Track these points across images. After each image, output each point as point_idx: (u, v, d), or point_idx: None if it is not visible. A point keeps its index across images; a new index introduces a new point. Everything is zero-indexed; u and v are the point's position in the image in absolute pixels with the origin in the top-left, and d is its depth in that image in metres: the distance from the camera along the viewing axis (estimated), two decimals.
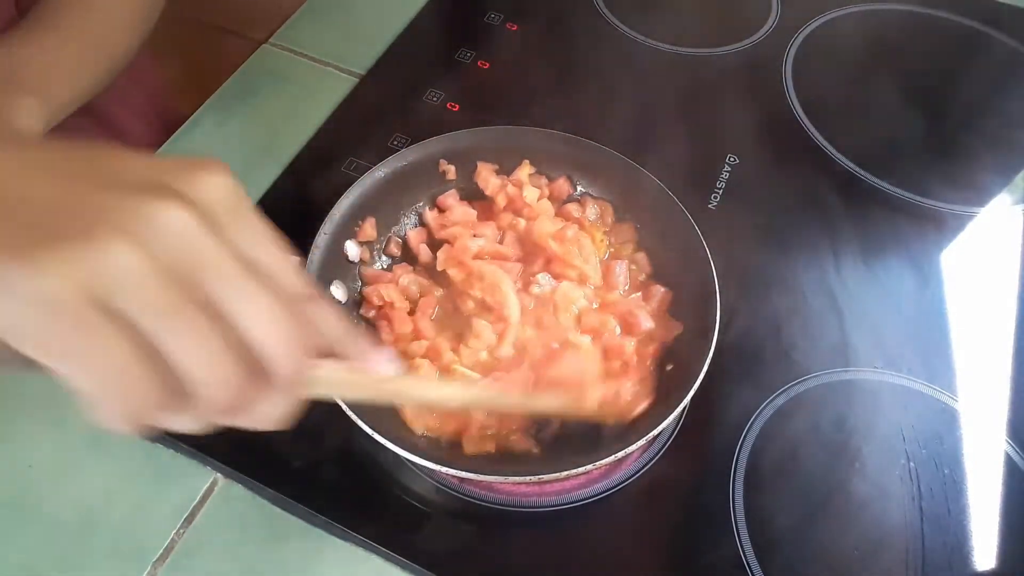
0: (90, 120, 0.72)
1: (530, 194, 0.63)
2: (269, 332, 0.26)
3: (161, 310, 0.24)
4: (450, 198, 0.64)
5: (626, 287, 0.60)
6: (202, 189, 0.27)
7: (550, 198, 0.64)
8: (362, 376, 0.33)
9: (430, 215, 0.64)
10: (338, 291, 0.58)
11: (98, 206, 0.24)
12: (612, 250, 0.63)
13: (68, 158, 0.27)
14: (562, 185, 0.64)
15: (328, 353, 0.31)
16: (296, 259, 0.30)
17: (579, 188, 0.65)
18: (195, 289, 0.25)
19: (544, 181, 0.65)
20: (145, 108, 0.82)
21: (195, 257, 0.25)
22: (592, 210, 0.64)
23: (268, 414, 0.28)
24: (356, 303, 0.59)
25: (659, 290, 0.59)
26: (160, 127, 0.79)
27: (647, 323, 0.57)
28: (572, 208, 0.63)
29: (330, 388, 0.33)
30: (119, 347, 0.24)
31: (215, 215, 0.26)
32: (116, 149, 0.28)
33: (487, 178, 0.63)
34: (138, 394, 0.25)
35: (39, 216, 0.24)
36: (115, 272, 0.23)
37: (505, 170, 0.65)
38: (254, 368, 0.27)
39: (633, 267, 0.61)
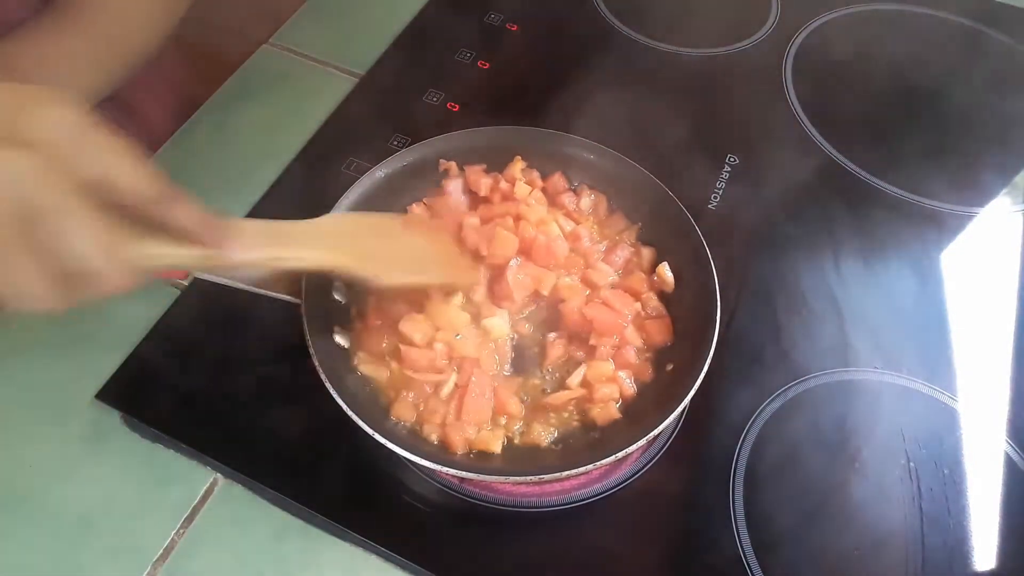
0: (111, 105, 0.72)
1: (521, 189, 0.62)
2: (89, 257, 0.33)
3: None
4: (452, 184, 0.64)
5: (619, 272, 0.60)
6: (43, 124, 0.31)
7: (545, 192, 0.64)
8: (203, 258, 0.39)
9: (417, 209, 0.64)
10: (338, 292, 0.58)
11: None
12: (607, 242, 0.62)
13: None
14: (557, 180, 0.64)
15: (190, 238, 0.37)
16: (150, 165, 0.35)
17: (575, 182, 0.65)
18: (29, 225, 0.31)
19: (536, 175, 0.64)
20: (165, 95, 0.82)
21: (29, 199, 0.30)
22: (586, 201, 0.64)
23: (104, 294, 0.35)
24: None
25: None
26: (180, 112, 0.79)
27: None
28: (566, 199, 0.63)
29: (172, 266, 0.39)
30: None
31: (57, 147, 0.31)
32: None
33: (477, 180, 0.63)
34: None
35: None
36: None
37: (498, 168, 0.65)
38: (77, 278, 0.33)
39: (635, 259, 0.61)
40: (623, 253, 0.60)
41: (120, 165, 0.33)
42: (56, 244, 0.32)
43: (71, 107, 0.32)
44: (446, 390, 0.53)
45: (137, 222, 0.36)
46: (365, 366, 0.55)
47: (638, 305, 0.58)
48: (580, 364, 0.55)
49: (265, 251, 0.43)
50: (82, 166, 0.32)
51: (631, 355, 0.56)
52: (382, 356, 0.56)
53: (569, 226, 0.61)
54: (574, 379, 0.54)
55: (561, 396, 0.54)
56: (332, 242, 0.48)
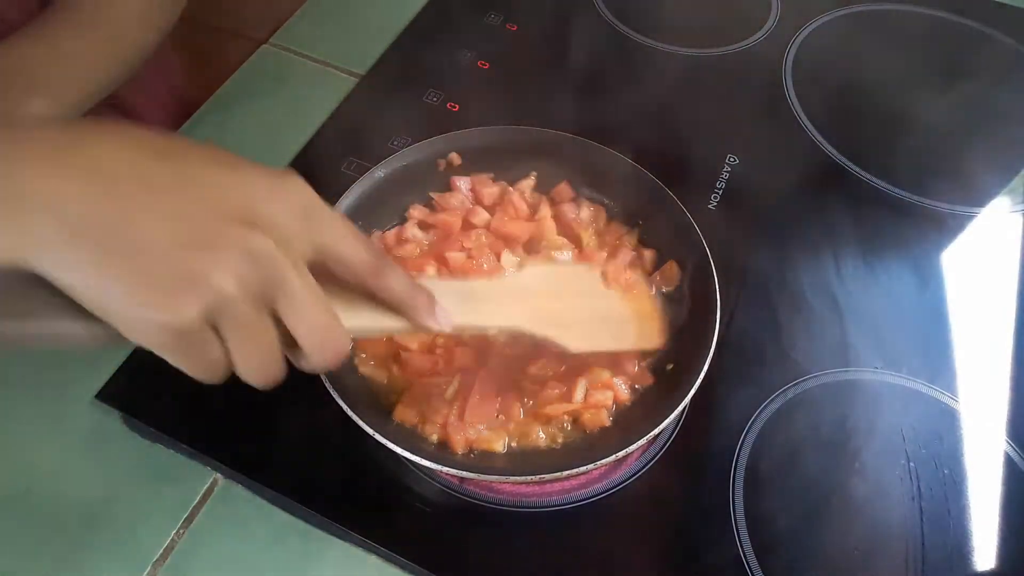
0: (109, 107, 0.72)
1: (542, 212, 0.63)
2: (308, 334, 0.35)
3: (242, 323, 0.33)
4: (461, 181, 0.64)
5: (624, 271, 0.60)
6: (280, 207, 0.34)
7: (551, 202, 0.64)
8: (410, 329, 0.40)
9: (417, 211, 0.64)
10: None
11: (202, 244, 0.31)
12: (608, 249, 0.62)
13: (158, 186, 0.32)
14: (564, 190, 0.64)
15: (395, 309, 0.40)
16: (370, 238, 0.38)
17: (579, 191, 0.65)
18: (267, 302, 0.33)
19: (540, 196, 0.65)
20: (164, 96, 0.82)
21: (270, 277, 0.33)
22: (585, 212, 0.64)
23: (305, 369, 0.37)
24: None
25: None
26: (179, 115, 0.79)
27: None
28: (568, 209, 0.63)
29: (374, 334, 0.41)
30: (213, 353, 0.33)
31: (291, 227, 0.34)
32: (197, 162, 0.34)
33: (482, 190, 0.63)
34: (213, 376, 0.34)
35: (158, 263, 0.31)
36: (220, 302, 0.31)
37: (504, 177, 0.65)
38: (296, 354, 0.36)
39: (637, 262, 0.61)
40: (624, 258, 0.60)
41: (343, 239, 0.36)
42: (287, 318, 0.34)
43: (303, 188, 0.35)
44: (450, 391, 0.53)
45: (348, 294, 0.38)
46: (366, 367, 0.55)
47: None
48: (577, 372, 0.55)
49: (464, 319, 0.43)
50: (312, 242, 0.35)
51: (628, 366, 0.56)
52: (383, 358, 0.56)
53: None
54: (578, 393, 0.54)
55: (558, 408, 0.53)
56: (524, 307, 0.48)
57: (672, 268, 0.60)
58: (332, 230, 0.36)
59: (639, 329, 0.55)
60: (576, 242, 0.62)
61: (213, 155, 0.35)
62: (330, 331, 0.36)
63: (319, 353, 0.36)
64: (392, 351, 0.56)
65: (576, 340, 0.49)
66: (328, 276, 0.36)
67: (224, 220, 0.32)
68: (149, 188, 0.32)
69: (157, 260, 0.31)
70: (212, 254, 0.31)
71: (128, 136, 0.34)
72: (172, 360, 0.33)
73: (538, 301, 0.49)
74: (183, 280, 0.31)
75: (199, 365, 0.33)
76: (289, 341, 0.35)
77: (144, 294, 0.30)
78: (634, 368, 0.56)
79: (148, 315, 0.31)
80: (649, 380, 0.56)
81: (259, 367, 0.35)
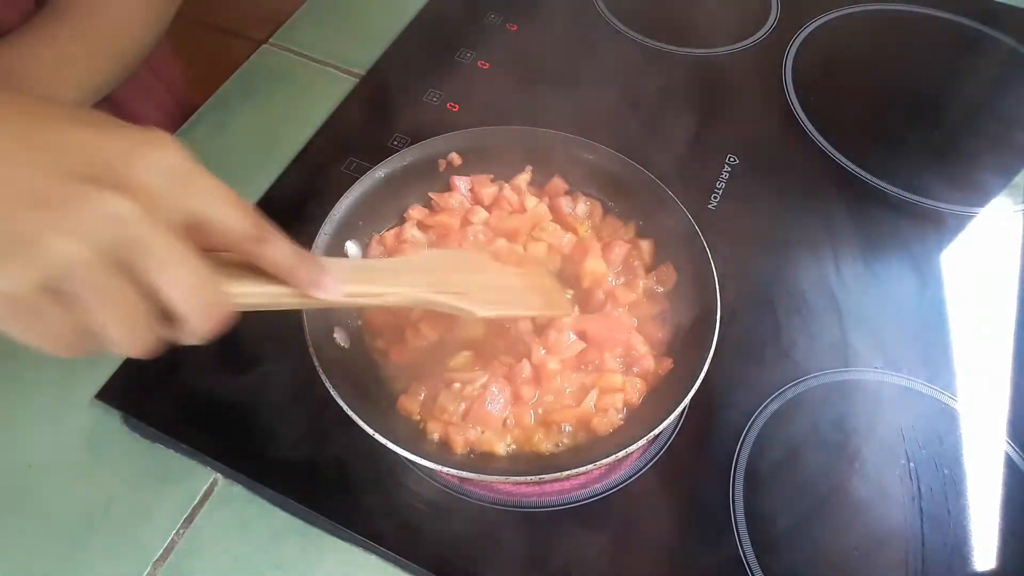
0: (108, 107, 0.72)
1: (530, 203, 0.63)
2: (182, 299, 0.32)
3: (94, 290, 0.30)
4: (460, 180, 0.64)
5: (618, 268, 0.61)
6: (145, 167, 0.31)
7: (547, 198, 0.64)
8: (294, 297, 0.38)
9: (416, 212, 0.64)
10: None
11: (43, 205, 0.29)
12: (604, 243, 0.62)
13: (15, 137, 0.30)
14: (557, 183, 0.65)
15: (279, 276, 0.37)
16: (249, 204, 0.35)
17: (574, 184, 0.65)
18: (127, 267, 0.30)
19: (532, 189, 0.65)
20: (163, 98, 0.82)
21: (128, 240, 0.30)
22: (581, 207, 0.64)
23: (188, 340, 0.35)
24: None
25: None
26: (178, 115, 0.79)
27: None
28: (563, 203, 0.64)
29: (261, 306, 0.38)
30: (60, 323, 0.31)
31: (157, 190, 0.31)
32: (59, 123, 0.32)
33: (481, 190, 0.64)
34: (71, 349, 0.32)
35: None
36: (61, 267, 0.29)
37: (503, 176, 0.65)
38: (171, 320, 0.33)
39: (636, 261, 0.62)
40: (621, 250, 0.60)
41: (218, 204, 0.34)
42: (154, 283, 0.32)
43: (174, 150, 0.33)
44: (471, 389, 0.53)
45: (228, 262, 0.36)
46: (376, 353, 0.56)
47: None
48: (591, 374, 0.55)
49: (357, 287, 0.42)
50: (182, 206, 0.32)
51: (647, 363, 0.56)
52: (391, 336, 0.57)
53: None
54: (589, 401, 0.54)
55: (568, 413, 0.53)
56: (423, 278, 0.47)
57: (669, 270, 0.60)
58: (207, 194, 0.34)
59: (544, 298, 0.56)
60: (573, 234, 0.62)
61: (80, 116, 0.33)
62: (206, 294, 0.33)
63: (197, 318, 0.33)
64: (399, 329, 0.56)
65: (482, 307, 0.48)
66: (207, 245, 0.34)
67: (76, 180, 0.30)
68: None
69: None
70: (54, 215, 0.29)
71: None
72: (13, 333, 0.31)
73: (438, 275, 0.49)
74: (16, 243, 0.29)
75: (45, 336, 0.31)
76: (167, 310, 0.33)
77: None
78: (653, 366, 0.56)
79: None
80: (668, 364, 0.55)
81: (123, 337, 0.32)
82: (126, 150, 0.32)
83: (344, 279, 0.40)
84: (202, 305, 0.33)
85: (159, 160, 0.32)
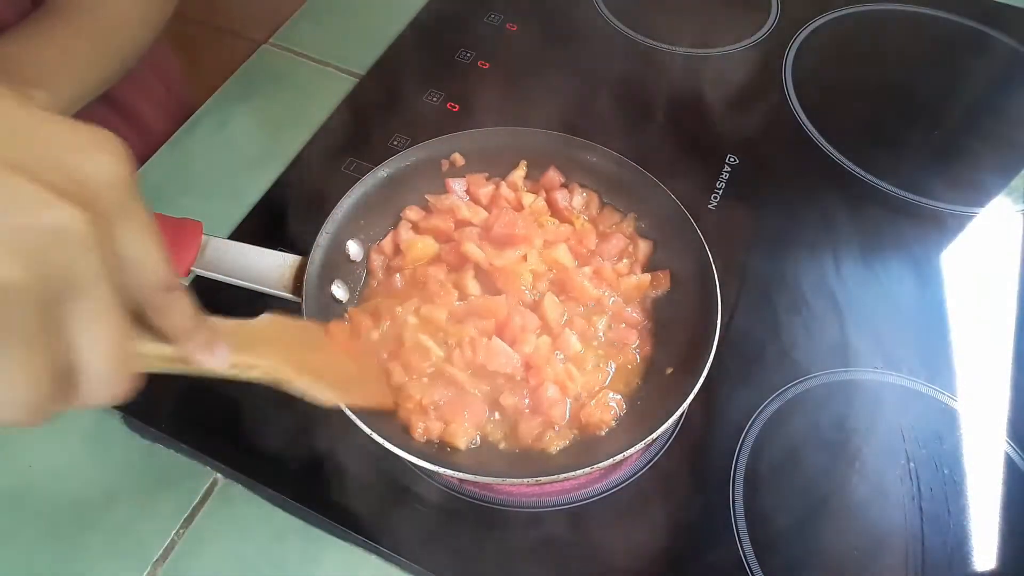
0: (108, 108, 0.72)
1: (527, 199, 0.63)
2: (100, 358, 0.27)
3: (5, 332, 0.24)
4: (456, 183, 0.64)
5: (615, 259, 0.61)
6: (94, 167, 0.26)
7: (539, 191, 0.65)
8: (185, 364, 0.34)
9: (412, 213, 0.64)
10: (339, 290, 0.58)
11: None
12: (600, 235, 0.63)
13: None
14: (552, 176, 0.65)
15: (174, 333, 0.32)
16: (163, 254, 0.30)
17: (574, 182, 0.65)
18: (51, 305, 0.25)
19: (529, 184, 0.65)
20: (163, 97, 0.82)
21: (64, 271, 0.25)
22: (578, 199, 0.64)
23: (82, 406, 0.30)
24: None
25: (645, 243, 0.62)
26: (178, 115, 0.80)
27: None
28: (560, 196, 0.64)
29: (152, 368, 0.33)
30: None
31: (103, 203, 0.26)
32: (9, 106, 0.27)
33: (477, 189, 0.63)
34: None
35: None
36: None
37: (499, 168, 0.65)
38: (68, 383, 0.27)
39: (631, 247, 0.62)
40: (617, 243, 0.61)
41: (148, 241, 0.29)
42: (74, 334, 0.26)
43: (121, 156, 0.28)
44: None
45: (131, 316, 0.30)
46: None
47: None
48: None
49: (238, 356, 0.38)
50: (117, 234, 0.27)
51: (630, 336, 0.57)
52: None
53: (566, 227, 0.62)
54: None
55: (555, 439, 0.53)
56: (279, 351, 0.43)
57: (665, 276, 0.60)
58: (141, 226, 0.28)
59: (368, 387, 0.53)
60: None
61: (22, 98, 0.27)
62: (124, 354, 0.28)
63: (108, 383, 0.28)
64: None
65: (324, 391, 0.45)
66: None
67: (9, 167, 0.24)
68: None
69: None
70: None
71: None
72: None
73: (289, 349, 0.45)
74: None
75: None
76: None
77: None
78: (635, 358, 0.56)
79: None
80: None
81: (6, 395, 0.25)
82: (74, 143, 0.27)
83: (230, 345, 0.37)
84: (119, 368, 0.28)
85: (107, 164, 0.27)
